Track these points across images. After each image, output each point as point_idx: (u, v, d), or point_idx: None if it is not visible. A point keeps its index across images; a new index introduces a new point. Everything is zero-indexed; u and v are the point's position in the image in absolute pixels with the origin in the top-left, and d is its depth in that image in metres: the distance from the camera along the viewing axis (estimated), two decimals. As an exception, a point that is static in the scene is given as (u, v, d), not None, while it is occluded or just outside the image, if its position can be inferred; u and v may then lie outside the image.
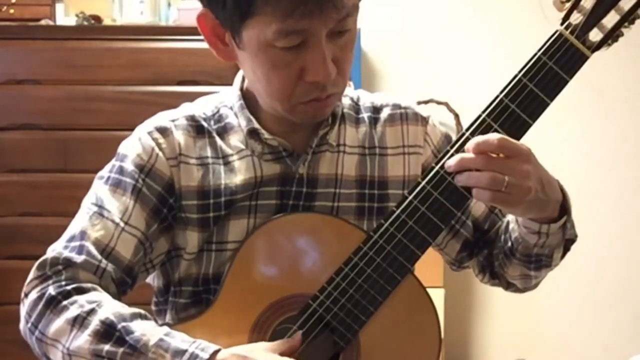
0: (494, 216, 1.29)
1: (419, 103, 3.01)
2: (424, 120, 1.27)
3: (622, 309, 3.16)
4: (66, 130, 2.79)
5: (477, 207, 1.28)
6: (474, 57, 3.10)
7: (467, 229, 1.28)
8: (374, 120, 1.25)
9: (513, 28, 3.06)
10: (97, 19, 2.92)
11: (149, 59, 2.77)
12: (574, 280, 3.08)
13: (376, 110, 1.26)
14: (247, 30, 1.05)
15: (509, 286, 1.30)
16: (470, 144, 1.05)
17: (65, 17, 3.02)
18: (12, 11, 2.93)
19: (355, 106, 1.26)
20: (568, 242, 1.19)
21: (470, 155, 1.05)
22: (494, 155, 1.04)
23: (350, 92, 1.27)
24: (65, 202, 2.72)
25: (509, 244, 1.21)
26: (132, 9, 2.94)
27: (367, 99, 1.27)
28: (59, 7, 3.03)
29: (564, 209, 1.13)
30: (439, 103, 3.05)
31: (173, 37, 2.79)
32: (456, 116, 3.04)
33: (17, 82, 2.79)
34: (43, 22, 2.92)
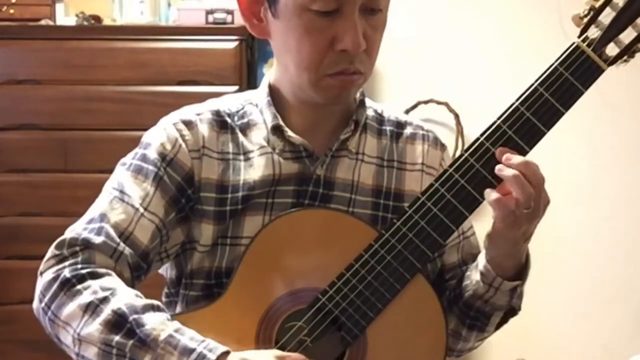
0: (460, 272, 1.29)
1: (419, 103, 3.04)
2: (443, 147, 1.32)
3: (622, 309, 3.16)
4: (66, 130, 2.78)
5: (451, 256, 1.30)
6: (474, 57, 3.09)
7: (434, 267, 1.29)
8: (396, 135, 1.28)
9: (513, 28, 3.06)
10: (97, 19, 2.92)
11: (149, 59, 2.76)
12: (574, 280, 3.08)
13: (400, 125, 1.29)
14: None
15: None
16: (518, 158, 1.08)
17: (65, 17, 3.01)
18: (12, 11, 2.92)
19: (379, 118, 1.29)
20: (510, 312, 1.22)
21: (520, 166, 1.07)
22: None
23: (374, 105, 1.30)
24: (65, 202, 2.73)
25: (458, 290, 1.24)
26: (132, 9, 2.93)
27: (391, 113, 1.31)
28: (59, 7, 3.02)
29: (521, 276, 1.17)
30: (439, 103, 3.05)
31: (173, 37, 2.76)
32: (456, 116, 3.04)
33: (17, 82, 2.79)
34: (43, 22, 2.91)
